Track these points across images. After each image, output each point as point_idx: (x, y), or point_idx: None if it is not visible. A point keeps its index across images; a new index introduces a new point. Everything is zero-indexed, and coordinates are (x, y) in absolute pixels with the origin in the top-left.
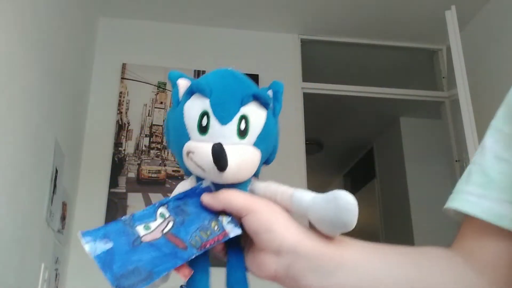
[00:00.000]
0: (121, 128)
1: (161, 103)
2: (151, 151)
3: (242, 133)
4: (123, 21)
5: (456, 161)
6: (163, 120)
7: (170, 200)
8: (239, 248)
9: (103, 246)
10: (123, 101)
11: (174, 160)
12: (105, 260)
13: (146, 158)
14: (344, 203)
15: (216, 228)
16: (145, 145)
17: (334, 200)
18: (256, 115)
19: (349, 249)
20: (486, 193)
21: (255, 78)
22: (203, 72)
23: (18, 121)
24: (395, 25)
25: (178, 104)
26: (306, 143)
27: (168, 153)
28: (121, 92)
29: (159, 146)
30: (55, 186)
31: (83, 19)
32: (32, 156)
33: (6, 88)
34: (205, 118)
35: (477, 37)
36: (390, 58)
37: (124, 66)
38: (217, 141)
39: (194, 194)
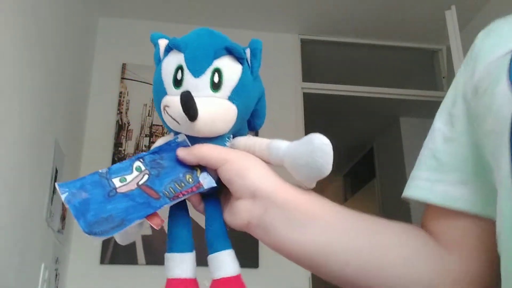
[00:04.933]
0: (121, 128)
1: None
2: None
3: (216, 86)
4: (123, 21)
5: None
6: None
7: (146, 154)
8: (217, 202)
9: (79, 196)
10: (123, 101)
11: None
12: (80, 209)
13: None
14: (319, 143)
15: (190, 180)
16: (145, 145)
17: (309, 141)
18: (230, 68)
19: (322, 207)
20: (439, 177)
21: None
22: None
23: (18, 121)
24: (395, 25)
25: (159, 63)
26: None
27: None
28: (121, 92)
29: None
30: (55, 186)
31: (83, 19)
32: (32, 156)
33: (6, 88)
34: (179, 72)
35: None
36: (390, 58)
37: (124, 66)
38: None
39: (169, 148)
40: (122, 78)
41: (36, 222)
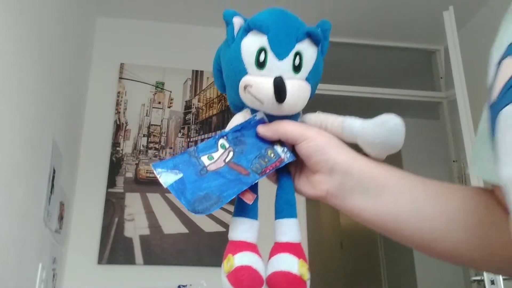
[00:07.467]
0: (119, 128)
1: (159, 103)
2: (149, 151)
3: (297, 68)
4: (121, 21)
5: (454, 161)
6: (161, 120)
7: (229, 132)
8: (289, 174)
9: (174, 176)
10: (121, 101)
11: None
12: (178, 189)
13: (144, 158)
14: (393, 124)
15: (272, 155)
16: (143, 145)
17: (384, 123)
18: (309, 51)
19: (393, 176)
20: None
21: None
22: (201, 72)
23: (16, 121)
24: (393, 26)
25: (234, 41)
26: None
27: (165, 153)
28: (119, 92)
29: (157, 146)
30: (52, 186)
31: (81, 19)
32: (30, 156)
33: (3, 88)
34: (262, 54)
35: (475, 38)
36: (388, 58)
37: (122, 66)
38: (275, 75)
39: (249, 125)
40: (120, 78)
41: (33, 222)
